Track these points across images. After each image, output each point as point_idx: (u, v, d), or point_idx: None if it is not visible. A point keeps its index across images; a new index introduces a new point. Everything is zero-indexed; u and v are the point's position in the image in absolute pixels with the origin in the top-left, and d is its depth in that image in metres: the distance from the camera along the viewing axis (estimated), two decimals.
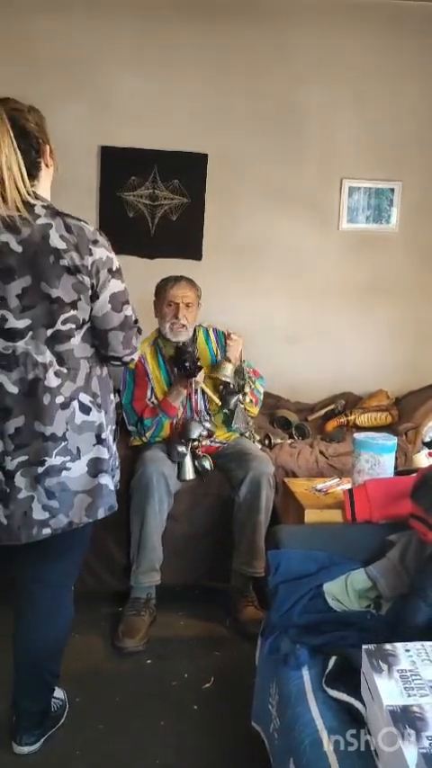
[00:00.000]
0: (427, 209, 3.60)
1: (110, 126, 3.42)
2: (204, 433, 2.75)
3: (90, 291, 1.71)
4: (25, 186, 1.68)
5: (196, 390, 2.82)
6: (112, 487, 1.85)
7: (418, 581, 1.66)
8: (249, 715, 1.90)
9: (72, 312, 1.69)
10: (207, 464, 2.71)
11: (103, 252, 1.71)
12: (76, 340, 1.73)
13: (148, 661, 2.45)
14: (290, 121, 3.48)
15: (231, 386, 2.79)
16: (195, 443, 2.73)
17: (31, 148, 1.74)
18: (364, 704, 1.39)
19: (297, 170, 3.53)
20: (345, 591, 1.81)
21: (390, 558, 1.85)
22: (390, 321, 3.66)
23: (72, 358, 1.74)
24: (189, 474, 2.69)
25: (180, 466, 2.69)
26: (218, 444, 2.86)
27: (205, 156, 3.46)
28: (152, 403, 2.82)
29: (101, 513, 1.82)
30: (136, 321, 1.85)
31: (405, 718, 1.22)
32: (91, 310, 1.73)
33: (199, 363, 2.72)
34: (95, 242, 1.70)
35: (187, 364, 2.68)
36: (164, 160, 3.44)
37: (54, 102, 3.36)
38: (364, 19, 3.41)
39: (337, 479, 2.60)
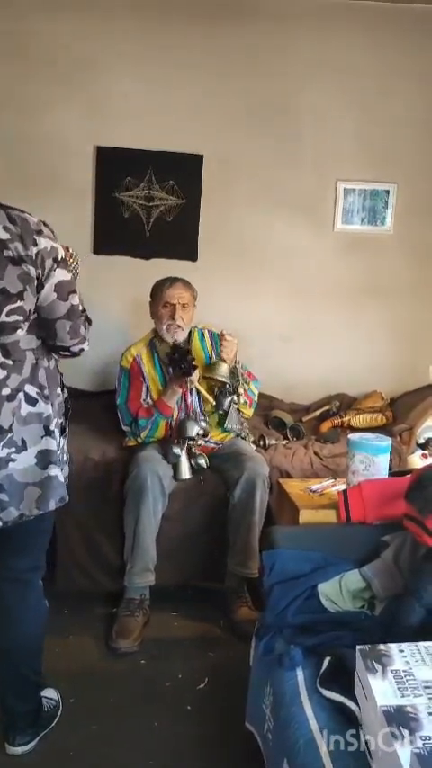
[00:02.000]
0: (421, 211, 3.61)
1: (106, 126, 3.41)
2: (201, 431, 2.75)
3: (36, 282, 1.70)
4: None
5: (191, 390, 2.83)
6: (62, 479, 1.84)
7: (412, 582, 1.67)
8: (243, 715, 1.90)
9: (18, 303, 1.68)
10: (203, 461, 2.71)
11: (47, 242, 1.70)
12: (22, 332, 1.72)
13: (143, 662, 2.45)
14: (285, 123, 3.49)
15: (227, 386, 2.79)
16: (192, 442, 2.73)
17: None
18: (358, 704, 1.40)
19: (292, 171, 3.53)
20: (339, 591, 1.81)
21: (384, 558, 1.86)
22: (384, 322, 3.67)
23: (17, 350, 1.73)
24: (186, 473, 2.69)
25: (176, 466, 2.69)
26: (213, 445, 2.86)
27: (201, 156, 3.46)
28: (147, 403, 2.82)
29: (52, 505, 1.81)
30: (84, 311, 1.84)
31: (399, 719, 1.23)
32: (37, 300, 1.72)
33: (194, 362, 2.72)
34: (39, 232, 1.69)
35: (182, 363, 2.68)
36: (159, 161, 3.44)
37: (50, 102, 3.37)
38: (360, 21, 3.41)
39: (332, 480, 2.60)
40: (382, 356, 3.66)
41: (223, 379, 2.78)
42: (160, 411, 2.78)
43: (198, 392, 2.83)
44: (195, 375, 2.76)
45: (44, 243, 1.69)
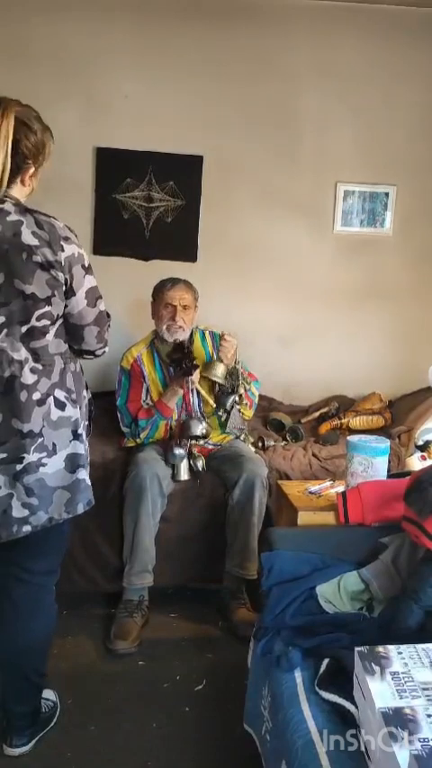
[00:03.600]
0: (421, 214, 3.61)
1: (105, 127, 3.42)
2: (205, 431, 2.75)
3: (64, 287, 1.71)
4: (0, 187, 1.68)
5: (191, 391, 2.83)
6: (89, 482, 1.86)
7: (410, 583, 1.67)
8: (242, 717, 1.90)
9: (47, 308, 1.69)
10: (200, 463, 2.72)
11: (74, 248, 1.72)
12: (51, 336, 1.74)
13: (141, 663, 2.45)
14: (285, 125, 3.49)
15: (224, 387, 2.79)
16: (195, 441, 2.72)
17: (14, 162, 1.74)
18: (356, 706, 1.40)
19: (292, 173, 3.53)
20: (338, 593, 1.81)
21: (382, 560, 1.86)
22: (383, 324, 3.67)
23: (47, 354, 1.74)
24: (184, 474, 2.69)
25: (175, 466, 2.69)
26: (212, 446, 2.87)
27: (201, 158, 3.47)
28: (147, 404, 2.82)
29: (80, 509, 1.83)
30: (108, 315, 1.87)
31: (397, 721, 1.23)
32: (65, 306, 1.74)
33: (195, 362, 2.73)
34: (66, 238, 1.71)
35: (184, 362, 2.68)
36: (159, 162, 3.44)
37: (50, 103, 3.34)
38: (360, 24, 3.42)
39: (331, 482, 2.60)
40: (381, 358, 3.66)
41: (218, 380, 2.78)
42: (160, 412, 2.78)
43: (198, 393, 2.84)
44: (196, 376, 2.76)
45: (71, 249, 1.71)
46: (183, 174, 3.47)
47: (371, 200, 3.60)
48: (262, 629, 1.79)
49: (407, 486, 1.87)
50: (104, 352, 1.91)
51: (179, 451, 2.69)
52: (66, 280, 1.70)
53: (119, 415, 2.87)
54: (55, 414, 1.76)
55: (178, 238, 3.52)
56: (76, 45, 3.33)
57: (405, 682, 1.33)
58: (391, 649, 1.41)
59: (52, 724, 2.09)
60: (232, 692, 2.09)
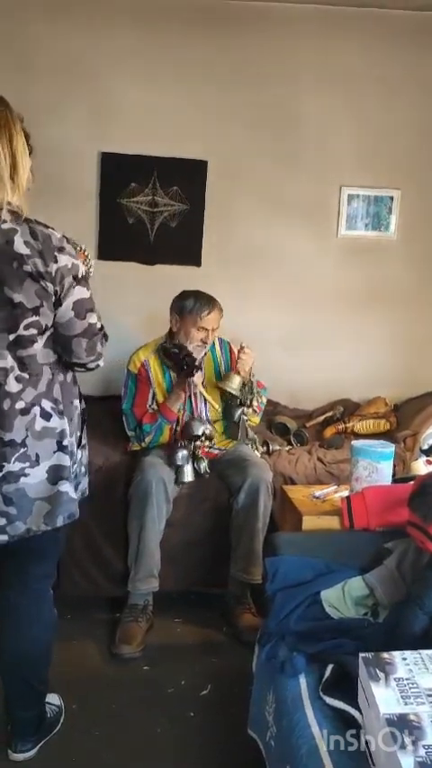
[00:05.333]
0: (425, 217, 3.61)
1: (110, 132, 3.43)
2: (207, 431, 2.75)
3: (54, 298, 1.70)
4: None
5: (196, 395, 2.83)
6: (73, 495, 1.82)
7: (415, 589, 1.67)
8: (246, 722, 1.89)
9: (35, 318, 1.69)
10: (203, 465, 2.71)
11: (68, 259, 1.70)
12: (39, 345, 1.73)
13: (145, 667, 2.45)
14: (289, 129, 3.49)
15: (238, 399, 2.80)
16: (198, 443, 2.72)
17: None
18: (360, 712, 1.39)
19: (296, 177, 3.54)
20: (342, 598, 1.81)
21: (387, 565, 1.85)
22: (388, 328, 3.66)
23: (34, 363, 1.73)
24: (188, 476, 2.69)
25: (179, 468, 2.68)
26: (217, 451, 2.87)
27: (205, 162, 3.47)
28: (152, 409, 2.82)
29: (59, 522, 1.79)
30: (101, 328, 1.83)
31: (402, 727, 1.22)
32: (54, 317, 1.72)
33: (197, 363, 2.72)
34: (61, 249, 1.69)
35: (185, 363, 2.68)
36: (164, 167, 3.45)
37: (54, 108, 3.38)
38: (364, 27, 3.42)
39: (335, 486, 2.60)
40: (386, 362, 3.66)
41: (234, 392, 2.79)
42: (164, 416, 2.78)
43: (204, 398, 2.84)
44: (198, 378, 2.77)
45: (65, 260, 1.69)
46: (187, 178, 3.48)
47: (375, 204, 3.60)
48: (266, 634, 1.79)
49: (411, 491, 1.87)
50: (98, 365, 1.86)
51: (182, 453, 2.68)
52: (55, 291, 1.69)
53: (124, 419, 2.87)
54: (39, 424, 1.74)
55: (182, 243, 3.53)
56: (81, 51, 3.34)
57: (410, 688, 1.32)
58: (396, 655, 1.41)
59: (57, 729, 2.09)
60: (237, 697, 2.08)
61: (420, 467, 2.71)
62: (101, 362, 1.86)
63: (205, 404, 2.87)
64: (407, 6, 3.37)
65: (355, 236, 3.62)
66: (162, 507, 2.61)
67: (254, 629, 2.16)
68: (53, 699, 2.14)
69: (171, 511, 2.66)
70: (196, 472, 2.71)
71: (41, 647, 1.97)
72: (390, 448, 2.34)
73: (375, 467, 2.28)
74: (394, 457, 2.37)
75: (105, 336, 1.87)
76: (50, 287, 1.68)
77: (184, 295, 2.87)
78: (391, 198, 3.58)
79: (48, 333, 1.74)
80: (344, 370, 3.66)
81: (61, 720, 2.12)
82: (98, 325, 1.81)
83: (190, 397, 2.83)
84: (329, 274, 3.62)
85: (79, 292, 1.73)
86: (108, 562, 2.72)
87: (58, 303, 1.71)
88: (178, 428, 2.82)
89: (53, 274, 1.68)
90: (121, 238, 3.51)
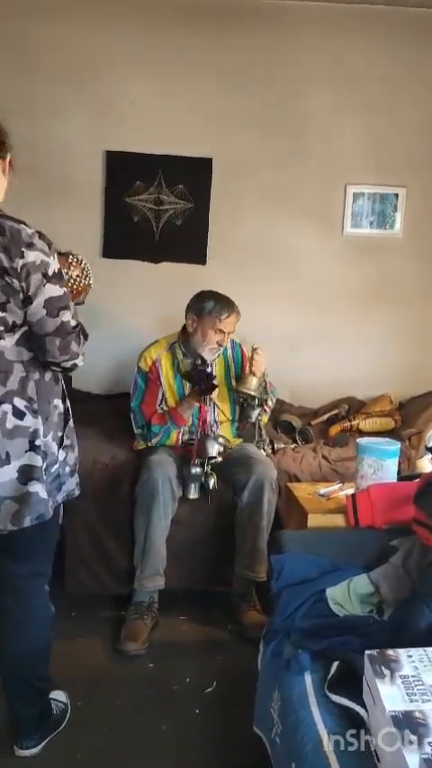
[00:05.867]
0: (430, 215, 3.60)
1: (115, 131, 3.43)
2: (222, 449, 2.75)
3: (22, 295, 1.67)
4: None
5: (206, 401, 2.82)
6: (43, 496, 1.78)
7: (420, 586, 1.66)
8: (251, 719, 1.89)
9: (1, 314, 1.67)
10: (212, 482, 2.69)
11: (37, 255, 1.66)
12: (7, 343, 1.70)
13: (150, 665, 2.45)
14: (295, 127, 3.49)
15: (256, 400, 2.80)
16: (213, 461, 2.71)
17: None
18: (366, 709, 1.39)
19: (301, 175, 3.53)
20: (347, 596, 1.81)
21: (392, 563, 1.85)
22: (393, 326, 3.66)
23: (3, 361, 1.70)
24: (194, 493, 2.68)
25: (186, 486, 2.68)
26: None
27: (210, 160, 3.47)
28: (162, 409, 2.82)
29: (27, 522, 1.76)
30: (76, 326, 1.78)
31: (407, 724, 1.22)
32: (26, 315, 1.70)
33: (214, 382, 2.72)
34: (30, 245, 1.66)
35: (203, 384, 2.68)
36: (169, 165, 3.45)
37: (59, 107, 3.39)
38: (370, 25, 3.41)
39: (340, 484, 2.60)
40: (391, 360, 3.65)
41: (253, 393, 2.79)
42: (174, 421, 2.78)
43: (214, 404, 2.85)
44: (215, 393, 2.77)
45: (32, 256, 1.66)
46: (192, 176, 3.48)
47: (380, 202, 3.59)
48: (271, 631, 1.79)
49: (417, 489, 1.87)
50: (75, 365, 1.80)
51: (195, 470, 2.67)
52: (22, 288, 1.66)
53: (132, 417, 2.86)
54: (11, 422, 1.71)
55: (188, 241, 3.53)
56: (85, 49, 3.35)
57: (415, 685, 1.32)
58: (401, 653, 1.40)
59: (63, 725, 2.09)
60: (241, 694, 2.08)
61: (426, 464, 2.71)
62: (78, 361, 1.81)
63: (214, 408, 2.86)
64: (412, 4, 3.36)
65: (360, 235, 3.61)
66: (168, 505, 2.61)
67: (259, 627, 2.16)
68: (59, 696, 2.14)
69: (177, 509, 2.66)
70: (203, 490, 2.70)
71: (38, 646, 1.96)
72: (395, 445, 2.34)
73: (381, 464, 2.28)
74: (400, 455, 2.36)
75: (85, 335, 1.82)
76: (16, 283, 1.65)
77: (203, 296, 2.85)
78: (396, 196, 3.57)
79: (20, 331, 1.71)
80: (349, 368, 3.66)
81: (67, 717, 2.12)
82: (72, 323, 1.76)
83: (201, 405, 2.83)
84: (334, 272, 3.62)
85: (50, 290, 1.69)
86: (113, 560, 2.72)
87: (27, 301, 1.68)
88: (186, 438, 2.81)
89: (18, 270, 1.64)
90: (127, 237, 3.51)
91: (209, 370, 2.75)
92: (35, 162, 3.35)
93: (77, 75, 3.36)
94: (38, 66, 3.34)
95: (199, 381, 2.69)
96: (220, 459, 2.74)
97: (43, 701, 2.04)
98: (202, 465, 2.69)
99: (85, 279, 2.04)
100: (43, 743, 2.01)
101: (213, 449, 2.71)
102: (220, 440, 2.79)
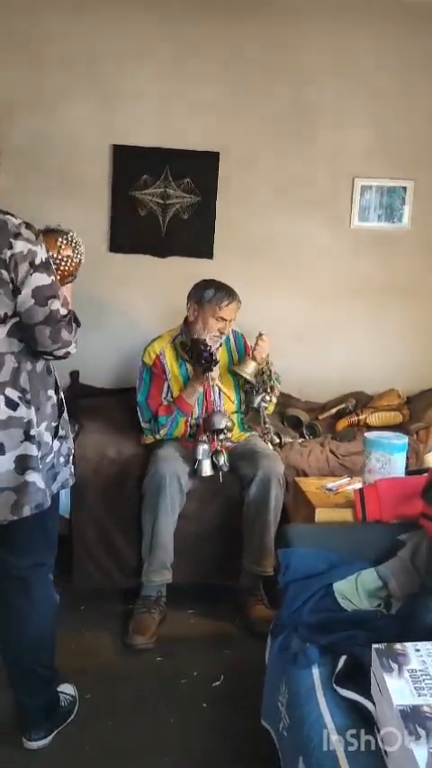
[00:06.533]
0: None
1: (121, 125, 3.42)
2: (230, 424, 2.75)
3: (11, 285, 1.68)
4: None
5: (212, 387, 2.82)
6: (41, 485, 1.80)
7: (428, 581, 1.66)
8: (259, 713, 1.90)
9: None
10: (222, 459, 2.70)
11: (24, 245, 1.68)
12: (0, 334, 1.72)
13: (158, 658, 2.46)
14: (302, 120, 3.47)
15: (254, 385, 2.80)
16: (222, 436, 2.71)
17: None
18: (373, 703, 1.39)
19: (309, 168, 3.52)
20: (355, 590, 1.81)
21: (400, 557, 1.85)
22: (401, 320, 3.64)
23: None
24: (207, 471, 2.68)
25: (198, 463, 2.68)
26: (229, 443, 2.86)
27: (217, 154, 3.46)
28: (168, 401, 2.82)
29: (26, 512, 1.78)
30: (67, 314, 1.79)
31: (415, 718, 1.22)
32: (15, 305, 1.71)
33: (215, 357, 2.72)
34: (17, 235, 1.67)
35: (203, 358, 2.67)
36: (175, 159, 3.44)
37: (65, 101, 3.39)
38: (378, 16, 3.38)
39: (348, 479, 2.59)
40: (399, 354, 3.64)
41: (248, 377, 2.79)
42: (180, 408, 2.78)
43: (220, 391, 2.84)
44: (216, 372, 2.76)
45: (20, 246, 1.67)
46: (199, 170, 3.46)
47: (388, 195, 3.57)
48: (279, 625, 1.79)
49: (425, 483, 1.87)
50: (67, 353, 1.81)
51: (203, 447, 2.68)
52: (11, 278, 1.67)
53: (138, 411, 2.87)
54: (4, 413, 1.73)
55: (195, 235, 3.52)
56: (92, 43, 3.34)
57: (423, 679, 1.32)
58: (409, 647, 1.40)
59: (71, 718, 2.10)
60: (249, 688, 2.09)
61: None
62: (71, 349, 1.82)
63: (220, 396, 2.86)
64: None
65: (368, 228, 3.59)
66: (176, 500, 2.61)
67: (266, 621, 2.16)
68: (67, 689, 2.15)
69: (185, 504, 2.66)
70: (215, 466, 2.70)
71: (42, 634, 1.97)
72: (403, 440, 2.33)
73: (388, 459, 2.28)
74: (407, 449, 2.36)
75: (77, 322, 1.84)
76: (5, 273, 1.66)
77: (204, 284, 2.86)
78: (404, 188, 3.55)
79: (11, 322, 1.72)
80: (356, 363, 3.65)
81: (75, 710, 2.13)
82: (62, 312, 1.77)
83: (205, 390, 2.82)
84: (342, 266, 3.60)
85: (38, 279, 1.70)
86: (121, 554, 2.73)
87: (16, 291, 1.69)
88: (193, 422, 2.81)
89: (7, 261, 1.66)
90: (134, 231, 3.50)
91: (207, 344, 2.75)
92: (41, 156, 3.35)
93: (83, 69, 3.35)
94: (45, 62, 3.32)
95: (198, 357, 2.68)
96: (229, 434, 2.74)
97: (50, 693, 2.05)
98: (208, 441, 2.69)
99: (77, 256, 2.02)
100: (52, 735, 2.02)
101: (221, 422, 2.72)
102: (227, 417, 2.78)
